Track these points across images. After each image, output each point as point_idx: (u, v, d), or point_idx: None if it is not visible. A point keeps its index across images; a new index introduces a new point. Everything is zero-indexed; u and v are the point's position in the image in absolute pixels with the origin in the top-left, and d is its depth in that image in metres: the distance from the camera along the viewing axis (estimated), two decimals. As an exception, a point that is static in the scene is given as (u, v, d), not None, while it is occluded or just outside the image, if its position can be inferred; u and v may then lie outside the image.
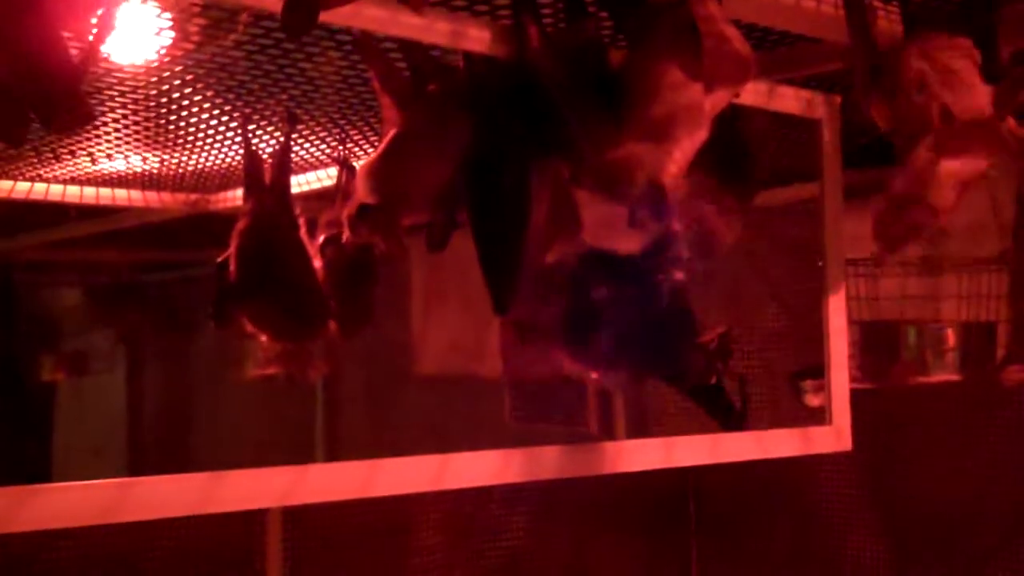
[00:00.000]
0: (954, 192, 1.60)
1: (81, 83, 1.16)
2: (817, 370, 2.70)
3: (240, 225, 1.94)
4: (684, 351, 1.84)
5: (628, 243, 1.54)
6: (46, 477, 4.18)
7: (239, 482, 1.30)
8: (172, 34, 1.73)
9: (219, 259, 1.97)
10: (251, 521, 2.61)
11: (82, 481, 1.21)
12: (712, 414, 1.94)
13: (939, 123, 1.56)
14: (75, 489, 1.20)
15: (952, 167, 1.57)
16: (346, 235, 1.69)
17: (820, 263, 2.11)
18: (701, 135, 1.40)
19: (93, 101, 2.06)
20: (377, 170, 1.61)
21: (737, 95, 1.49)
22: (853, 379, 2.12)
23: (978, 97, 1.57)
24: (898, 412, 2.92)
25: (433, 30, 1.49)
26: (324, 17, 1.40)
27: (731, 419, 1.89)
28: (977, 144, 1.57)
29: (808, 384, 2.78)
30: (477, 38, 1.54)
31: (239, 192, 2.90)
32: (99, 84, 1.94)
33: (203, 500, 1.26)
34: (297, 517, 2.67)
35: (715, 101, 1.41)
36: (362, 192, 1.61)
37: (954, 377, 2.44)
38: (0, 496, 1.17)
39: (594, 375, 1.73)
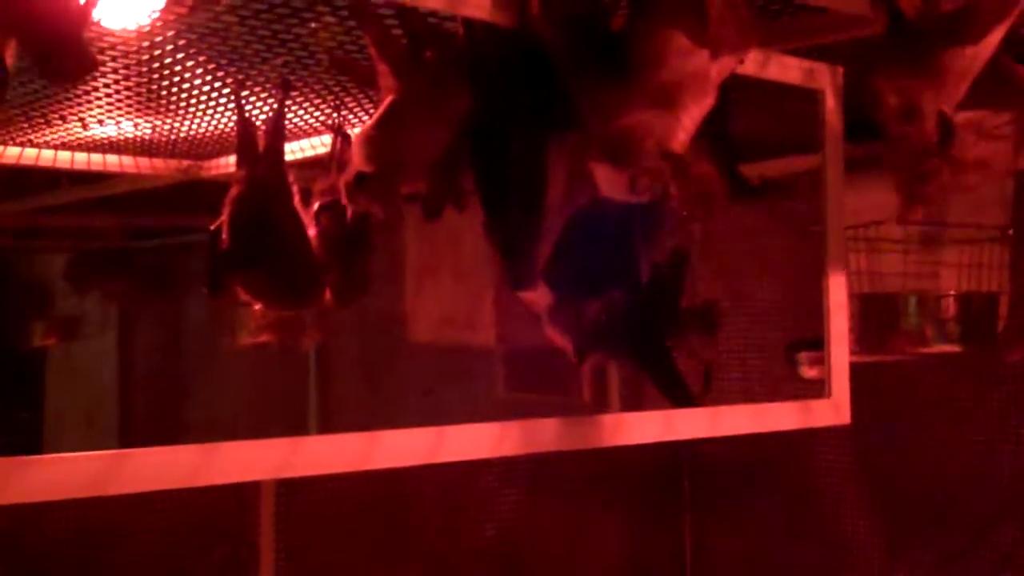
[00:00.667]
0: (976, 141, 1.57)
1: (84, 31, 1.12)
2: (812, 342, 2.69)
3: (233, 192, 1.90)
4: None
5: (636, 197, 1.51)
6: (37, 441, 4.17)
7: (234, 454, 1.28)
8: (165, -3, 1.70)
9: (212, 227, 1.94)
10: (244, 493, 2.60)
11: (75, 452, 1.18)
12: (664, 390, 1.90)
13: (938, 129, 1.52)
14: (68, 461, 1.18)
15: (969, 116, 1.55)
16: (345, 203, 1.66)
17: (815, 228, 2.09)
18: (708, 102, 1.38)
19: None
20: (374, 138, 1.58)
21: (741, 62, 1.47)
22: (852, 352, 2.11)
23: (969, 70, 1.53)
24: (895, 385, 2.91)
25: (432, -5, 1.46)
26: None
27: (682, 397, 1.84)
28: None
29: (803, 356, 2.78)
30: (476, 4, 1.51)
31: (232, 159, 2.87)
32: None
33: (198, 472, 1.24)
34: (290, 489, 2.66)
35: (721, 68, 1.38)
36: (359, 160, 1.58)
37: (955, 349, 2.42)
38: (-6, 467, 1.15)
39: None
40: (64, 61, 1.09)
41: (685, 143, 1.35)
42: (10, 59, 1.04)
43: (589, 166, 1.49)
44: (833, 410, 1.97)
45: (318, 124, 2.52)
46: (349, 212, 1.80)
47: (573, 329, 1.73)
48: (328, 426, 4.10)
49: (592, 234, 1.64)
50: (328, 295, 2.11)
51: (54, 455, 1.18)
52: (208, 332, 4.05)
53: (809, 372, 2.76)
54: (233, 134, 2.58)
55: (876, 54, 1.57)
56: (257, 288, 1.99)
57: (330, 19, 1.74)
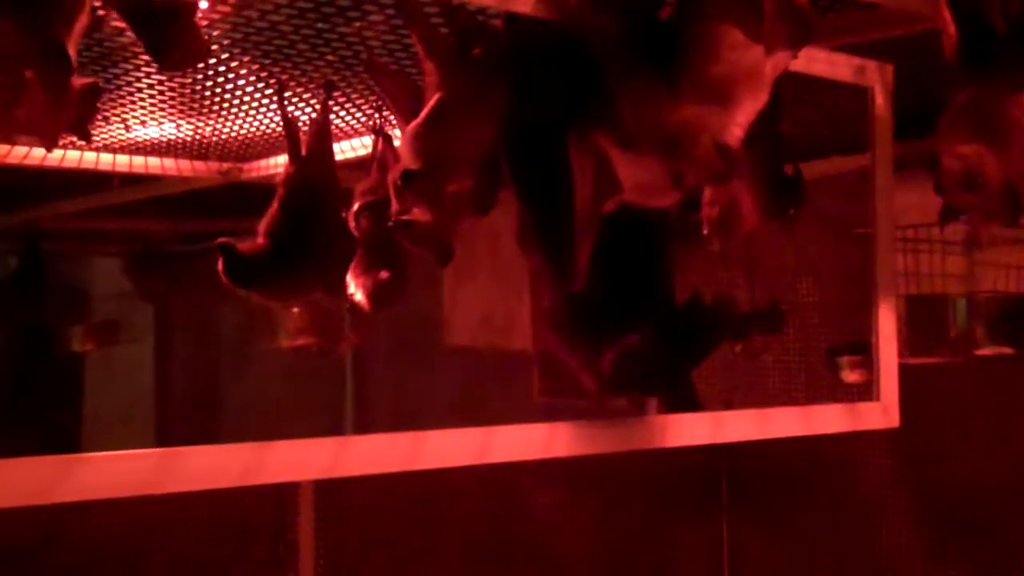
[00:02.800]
0: None
1: (194, 16, 1.13)
2: (854, 346, 2.66)
3: (281, 192, 1.89)
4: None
5: (662, 201, 1.50)
6: (75, 444, 4.20)
7: (284, 454, 1.28)
8: (210, -3, 1.70)
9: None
10: (283, 490, 2.59)
11: (126, 451, 1.18)
12: (667, 397, 1.87)
13: (1005, 200, 1.45)
14: (119, 459, 1.17)
15: None
16: (391, 202, 1.65)
17: (861, 231, 2.06)
18: (762, 98, 1.35)
19: (128, 67, 2.03)
20: (421, 135, 1.57)
21: (795, 57, 1.44)
22: (899, 355, 2.08)
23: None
24: (939, 387, 2.86)
25: (480, -8, 1.45)
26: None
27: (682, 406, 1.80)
28: None
29: (845, 360, 2.74)
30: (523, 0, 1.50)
31: (272, 161, 2.88)
32: (134, 49, 1.90)
33: (248, 471, 1.24)
34: (329, 487, 2.65)
35: (775, 64, 1.36)
36: (407, 158, 1.57)
37: (1005, 350, 2.39)
38: (44, 466, 1.15)
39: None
40: (177, 46, 1.10)
41: (740, 140, 1.33)
42: (73, 51, 1.03)
43: (616, 167, 1.48)
44: (882, 413, 1.94)
45: (359, 125, 2.52)
46: (393, 212, 1.79)
47: (592, 367, 1.70)
48: (364, 429, 4.10)
49: (614, 262, 1.63)
50: (366, 297, 2.11)
51: (107, 453, 1.17)
52: (246, 335, 4.06)
53: (851, 376, 2.73)
54: (274, 136, 2.59)
55: (938, 115, 1.49)
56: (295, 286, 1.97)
57: (376, 18, 1.74)
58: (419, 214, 1.58)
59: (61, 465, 1.15)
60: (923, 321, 2.41)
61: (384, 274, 2.06)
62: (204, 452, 1.25)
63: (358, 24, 1.79)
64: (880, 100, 1.94)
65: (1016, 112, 1.41)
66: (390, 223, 1.58)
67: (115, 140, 2.63)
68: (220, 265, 1.78)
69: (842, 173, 3.00)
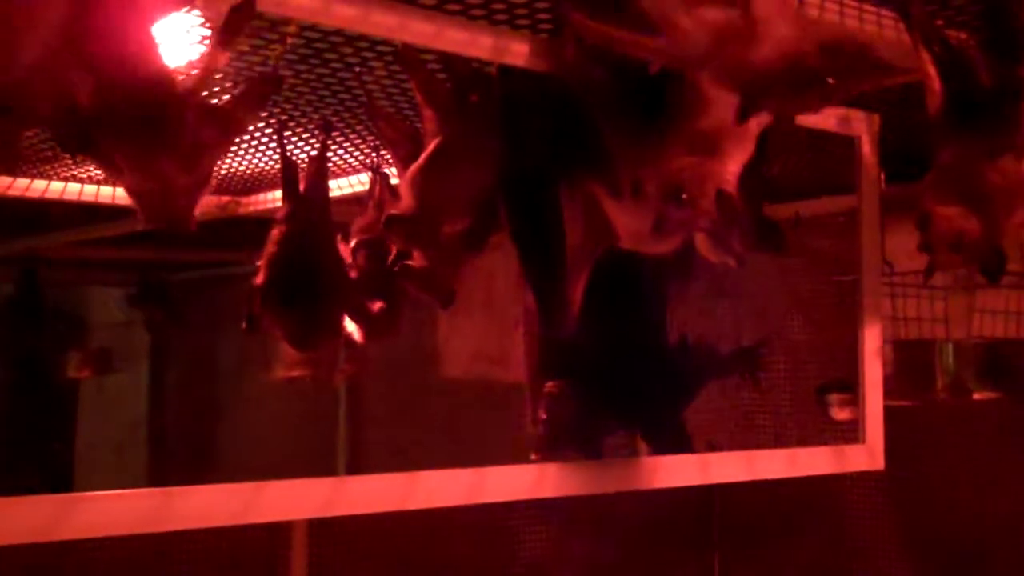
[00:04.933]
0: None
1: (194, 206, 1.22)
2: (843, 384, 2.69)
3: (276, 232, 1.92)
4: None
5: (659, 248, 1.55)
6: (69, 469, 4.21)
7: (280, 493, 1.30)
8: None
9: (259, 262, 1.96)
10: (275, 528, 2.60)
11: (127, 490, 1.21)
12: (658, 440, 1.90)
13: (989, 260, 1.50)
14: (119, 499, 1.20)
15: None
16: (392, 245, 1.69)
17: (842, 277, 2.10)
18: (748, 149, 1.40)
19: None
20: (420, 179, 1.61)
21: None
22: (886, 397, 2.11)
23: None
24: (929, 430, 2.89)
25: (476, 44, 1.50)
26: (370, 30, 1.41)
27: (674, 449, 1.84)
28: None
29: (834, 398, 2.77)
30: (519, 52, 1.55)
31: (270, 195, 2.92)
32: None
33: (246, 510, 1.27)
34: (321, 524, 2.66)
35: (760, 119, 1.40)
36: (406, 200, 1.62)
37: (993, 395, 2.42)
38: (43, 504, 1.17)
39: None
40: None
41: (733, 189, 1.37)
42: (85, 100, 1.07)
43: (610, 216, 1.52)
44: (867, 455, 1.98)
45: (357, 163, 2.55)
46: (393, 251, 1.83)
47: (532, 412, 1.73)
48: (357, 462, 4.11)
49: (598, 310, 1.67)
50: (360, 331, 2.14)
51: (108, 492, 1.20)
52: (241, 366, 4.09)
53: (840, 414, 2.76)
54: (271, 172, 2.63)
55: (924, 179, 1.53)
56: (292, 327, 2.00)
57: (376, 64, 1.78)
58: (419, 258, 1.62)
59: (61, 504, 1.18)
60: (911, 366, 2.44)
61: (378, 305, 2.09)
62: (202, 491, 1.28)
63: (359, 70, 1.83)
64: (867, 149, 1.99)
65: (997, 178, 1.45)
66: (395, 269, 1.62)
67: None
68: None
69: (831, 213, 3.05)
